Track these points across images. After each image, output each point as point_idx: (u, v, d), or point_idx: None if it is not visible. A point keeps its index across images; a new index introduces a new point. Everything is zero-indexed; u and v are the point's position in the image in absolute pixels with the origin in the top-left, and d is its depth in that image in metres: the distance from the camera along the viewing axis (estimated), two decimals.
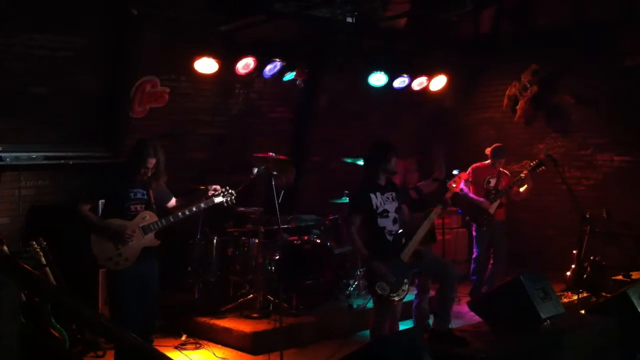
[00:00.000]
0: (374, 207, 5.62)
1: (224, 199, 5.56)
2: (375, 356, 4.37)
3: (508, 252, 8.22)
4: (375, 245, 5.60)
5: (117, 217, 5.11)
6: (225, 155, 8.65)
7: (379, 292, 5.44)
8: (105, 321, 3.00)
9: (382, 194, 5.70)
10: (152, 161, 5.17)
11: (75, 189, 7.39)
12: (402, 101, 10.05)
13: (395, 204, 5.74)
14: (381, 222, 5.61)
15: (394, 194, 5.78)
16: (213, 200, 5.49)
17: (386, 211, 5.65)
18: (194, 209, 5.35)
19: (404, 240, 5.65)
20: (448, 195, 5.88)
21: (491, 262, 8.22)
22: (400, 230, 5.68)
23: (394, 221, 5.67)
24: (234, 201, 5.63)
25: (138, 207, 5.20)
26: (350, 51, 9.15)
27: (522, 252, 9.00)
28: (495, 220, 7.99)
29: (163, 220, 5.22)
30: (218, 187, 5.59)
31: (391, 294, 5.45)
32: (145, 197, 5.24)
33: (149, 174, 5.20)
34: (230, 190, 5.58)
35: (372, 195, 5.64)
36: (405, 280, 5.54)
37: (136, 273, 5.12)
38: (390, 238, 5.64)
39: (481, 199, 7.99)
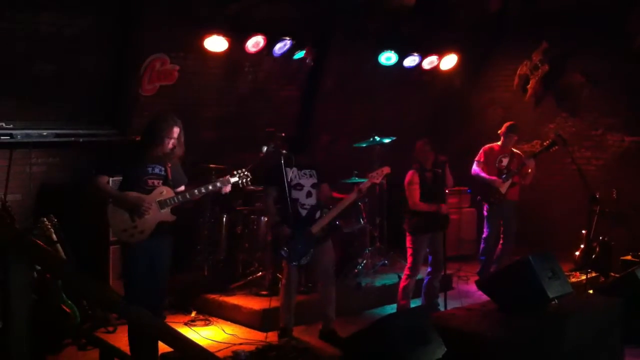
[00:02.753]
0: (289, 179, 6.12)
1: (240, 181, 5.56)
2: (382, 334, 4.41)
3: (517, 232, 8.22)
4: (288, 215, 6.05)
5: (134, 190, 5.13)
6: (235, 133, 8.65)
7: (283, 255, 6.03)
8: (116, 297, 3.03)
9: (300, 169, 6.22)
10: (177, 130, 5.23)
11: (85, 166, 7.44)
12: (411, 80, 10.01)
13: (312, 180, 6.27)
14: (294, 194, 6.13)
15: (314, 171, 6.29)
16: (229, 180, 5.49)
17: (300, 185, 6.20)
18: (210, 187, 5.37)
19: (318, 214, 6.18)
20: (364, 186, 6.29)
21: (501, 242, 8.22)
22: (314, 204, 6.20)
23: (308, 194, 6.21)
24: (249, 183, 5.65)
25: (155, 182, 5.21)
26: (359, 30, 9.10)
27: (531, 232, 8.99)
28: (508, 199, 8.00)
29: (180, 197, 5.24)
30: (234, 172, 5.61)
31: (293, 260, 5.99)
32: (163, 172, 5.26)
33: (173, 145, 5.23)
34: (245, 172, 5.59)
35: (288, 169, 6.13)
36: (311, 250, 6.07)
37: (150, 247, 5.16)
38: (302, 211, 6.17)
39: (494, 178, 8.00)
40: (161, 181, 5.24)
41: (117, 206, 5.11)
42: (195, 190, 5.31)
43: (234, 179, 5.52)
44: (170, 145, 5.22)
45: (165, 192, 5.23)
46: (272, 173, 6.20)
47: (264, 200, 6.44)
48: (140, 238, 5.12)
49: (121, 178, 5.30)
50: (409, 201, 6.80)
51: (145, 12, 7.30)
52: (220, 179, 5.49)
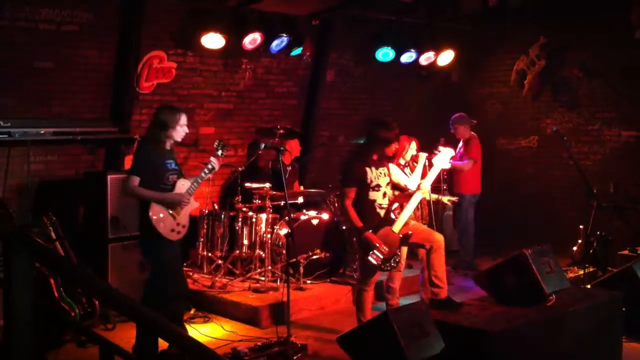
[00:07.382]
0: (369, 180, 5.76)
1: (222, 151, 5.74)
2: (381, 329, 4.42)
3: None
4: (367, 218, 5.70)
5: (158, 189, 5.28)
6: (232, 130, 8.68)
7: (373, 262, 5.57)
8: (117, 293, 3.04)
9: (377, 168, 5.84)
10: (185, 117, 5.41)
11: (83, 164, 7.46)
12: (409, 76, 10.02)
13: (387, 179, 5.90)
14: (372, 195, 5.76)
15: (386, 169, 5.94)
16: (217, 154, 5.67)
17: (378, 185, 5.80)
18: (210, 166, 5.53)
19: (394, 215, 5.79)
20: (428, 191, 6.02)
21: None
22: (389, 204, 5.84)
23: (384, 195, 5.83)
24: (226, 149, 5.85)
25: (174, 176, 5.41)
26: (357, 25, 9.10)
27: (528, 226, 9.02)
28: None
29: (195, 183, 5.46)
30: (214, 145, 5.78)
31: (383, 265, 5.62)
32: (176, 166, 5.46)
33: (185, 133, 5.43)
34: (221, 142, 5.78)
35: (368, 169, 5.78)
36: (398, 252, 5.71)
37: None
38: (381, 211, 5.78)
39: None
40: (176, 175, 5.43)
41: (160, 208, 5.25)
42: (202, 174, 5.51)
43: (219, 152, 5.70)
44: (183, 134, 5.38)
45: (184, 182, 5.42)
46: (351, 173, 5.82)
47: (341, 203, 5.93)
48: (184, 232, 5.42)
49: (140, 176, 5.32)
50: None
51: (144, 10, 7.31)
52: (212, 158, 5.63)
